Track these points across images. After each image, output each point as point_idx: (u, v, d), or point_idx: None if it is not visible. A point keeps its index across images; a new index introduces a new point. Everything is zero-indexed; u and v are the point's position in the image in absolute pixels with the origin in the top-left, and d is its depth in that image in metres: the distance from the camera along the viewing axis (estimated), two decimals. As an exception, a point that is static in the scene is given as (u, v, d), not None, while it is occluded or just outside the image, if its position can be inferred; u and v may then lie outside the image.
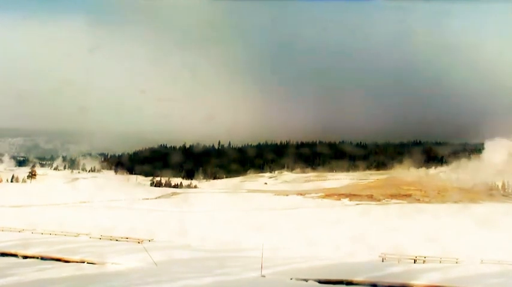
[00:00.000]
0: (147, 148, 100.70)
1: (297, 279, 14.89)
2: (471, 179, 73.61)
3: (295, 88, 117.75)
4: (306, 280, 14.64)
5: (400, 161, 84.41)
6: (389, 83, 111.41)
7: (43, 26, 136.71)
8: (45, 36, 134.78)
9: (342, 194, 69.79)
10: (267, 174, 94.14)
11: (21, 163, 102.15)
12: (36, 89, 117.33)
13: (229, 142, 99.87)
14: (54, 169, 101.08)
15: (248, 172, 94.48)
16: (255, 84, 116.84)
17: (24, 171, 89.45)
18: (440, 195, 67.10)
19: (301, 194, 71.20)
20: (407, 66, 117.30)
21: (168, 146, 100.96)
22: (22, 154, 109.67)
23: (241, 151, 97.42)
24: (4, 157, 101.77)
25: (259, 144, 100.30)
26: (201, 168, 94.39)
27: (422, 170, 78.11)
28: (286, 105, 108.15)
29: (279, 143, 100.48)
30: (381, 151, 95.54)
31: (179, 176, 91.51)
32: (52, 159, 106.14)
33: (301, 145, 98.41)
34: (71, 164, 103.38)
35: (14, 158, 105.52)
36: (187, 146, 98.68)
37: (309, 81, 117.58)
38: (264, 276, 14.84)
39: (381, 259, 24.13)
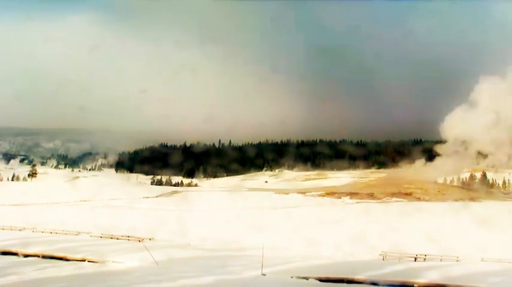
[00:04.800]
0: (148, 147, 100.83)
1: (298, 277, 14.90)
2: (471, 178, 73.68)
3: (296, 87, 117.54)
4: (307, 279, 14.65)
5: (401, 160, 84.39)
6: (389, 82, 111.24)
7: (43, 26, 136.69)
8: (45, 36, 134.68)
9: (343, 193, 69.66)
10: (268, 173, 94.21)
11: (21, 162, 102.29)
12: (36, 88, 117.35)
13: (230, 141, 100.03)
14: (54, 168, 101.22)
15: (248, 170, 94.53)
16: (256, 84, 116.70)
17: (24, 170, 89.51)
18: (441, 193, 66.99)
19: (301, 193, 71.12)
20: (408, 65, 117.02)
21: (168, 145, 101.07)
22: (23, 153, 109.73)
23: (242, 150, 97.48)
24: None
25: (260, 143, 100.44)
26: (201, 167, 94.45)
27: (423, 169, 77.97)
28: (287, 105, 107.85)
29: (279, 142, 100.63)
30: (382, 150, 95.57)
31: (180, 175, 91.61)
32: (52, 158, 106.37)
33: (302, 144, 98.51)
34: (72, 163, 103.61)
35: (14, 157, 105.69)
36: (188, 145, 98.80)
37: (309, 80, 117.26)
38: (264, 275, 14.85)
39: (382, 257, 24.17)
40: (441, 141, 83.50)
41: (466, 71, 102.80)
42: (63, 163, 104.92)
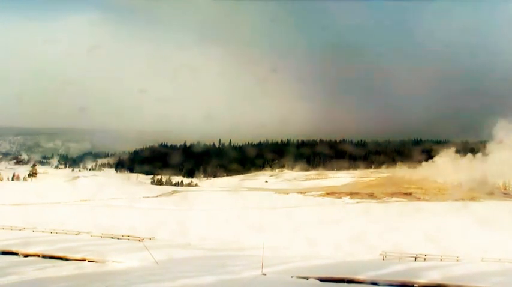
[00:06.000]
0: (148, 146, 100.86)
1: (298, 277, 14.90)
2: (471, 177, 73.55)
3: (296, 87, 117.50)
4: (307, 278, 14.65)
5: (401, 160, 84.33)
6: (389, 82, 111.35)
7: (43, 26, 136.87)
8: (45, 36, 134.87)
9: (343, 193, 69.72)
10: (268, 172, 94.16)
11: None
12: (36, 88, 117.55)
13: (230, 141, 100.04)
14: (54, 168, 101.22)
15: (249, 170, 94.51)
16: (256, 84, 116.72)
17: (25, 169, 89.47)
18: (441, 193, 67.04)
19: (301, 193, 71.14)
20: (408, 64, 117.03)
21: (168, 144, 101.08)
22: (23, 153, 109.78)
23: (242, 150, 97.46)
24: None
25: (260, 143, 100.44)
26: (201, 167, 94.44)
27: (423, 169, 77.91)
28: (287, 105, 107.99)
29: (279, 142, 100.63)
30: (382, 150, 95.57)
31: (180, 175, 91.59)
32: (54, 157, 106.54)
33: (302, 144, 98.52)
34: (72, 162, 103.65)
35: (14, 156, 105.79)
36: (188, 144, 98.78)
37: (309, 80, 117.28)
38: (264, 274, 14.85)
39: (382, 257, 24.20)
40: (441, 142, 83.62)
41: (468, 71, 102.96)
42: (63, 162, 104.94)
